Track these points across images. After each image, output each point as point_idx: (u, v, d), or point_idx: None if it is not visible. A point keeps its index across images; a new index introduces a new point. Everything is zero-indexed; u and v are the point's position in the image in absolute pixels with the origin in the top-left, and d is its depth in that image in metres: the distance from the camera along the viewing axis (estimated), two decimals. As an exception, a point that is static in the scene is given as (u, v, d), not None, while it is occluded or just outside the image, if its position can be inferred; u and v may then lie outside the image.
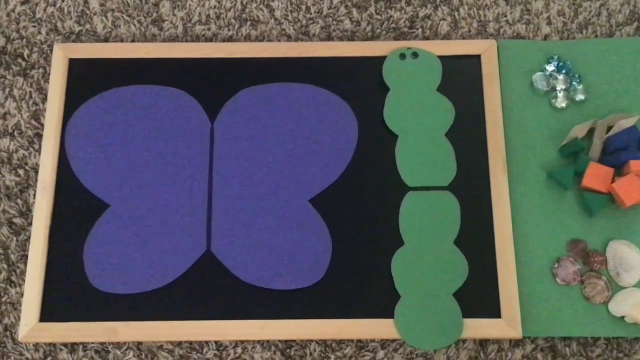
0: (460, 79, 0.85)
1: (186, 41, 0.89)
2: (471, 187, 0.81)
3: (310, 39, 0.89)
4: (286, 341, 0.77)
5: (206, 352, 0.76)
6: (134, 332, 0.75)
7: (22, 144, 0.84)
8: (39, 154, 0.83)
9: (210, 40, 0.89)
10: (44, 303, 0.76)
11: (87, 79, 0.85)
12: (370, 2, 0.91)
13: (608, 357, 0.76)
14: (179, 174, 0.81)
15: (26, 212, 0.81)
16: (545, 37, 0.89)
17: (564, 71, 0.85)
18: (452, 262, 0.78)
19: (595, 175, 0.79)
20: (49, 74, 0.86)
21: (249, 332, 0.75)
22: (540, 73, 0.85)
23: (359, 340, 0.77)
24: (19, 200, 0.82)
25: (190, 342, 0.76)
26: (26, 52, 0.88)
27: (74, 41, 0.89)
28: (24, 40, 0.89)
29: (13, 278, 0.79)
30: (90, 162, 0.82)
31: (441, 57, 0.86)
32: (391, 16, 0.90)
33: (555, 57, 0.86)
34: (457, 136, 0.83)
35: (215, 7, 0.91)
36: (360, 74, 0.86)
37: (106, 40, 0.89)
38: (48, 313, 0.76)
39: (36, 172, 0.82)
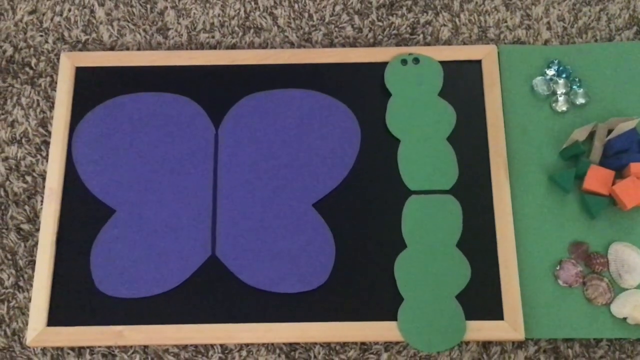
0: (462, 84, 0.86)
1: (191, 49, 0.90)
2: (473, 190, 0.81)
3: (313, 45, 0.90)
4: (290, 344, 0.77)
5: (211, 356, 0.77)
6: (140, 336, 0.76)
7: (29, 151, 0.85)
8: (47, 161, 0.84)
9: (215, 47, 0.90)
10: (51, 308, 0.77)
11: (93, 87, 0.86)
12: (372, 9, 0.92)
13: (611, 358, 0.76)
14: (184, 180, 0.82)
15: (34, 218, 0.82)
16: (546, 42, 0.90)
17: (564, 75, 0.86)
18: (454, 264, 0.78)
19: (596, 178, 0.79)
20: (56, 83, 0.87)
21: (254, 336, 0.76)
22: (540, 77, 0.86)
23: (363, 343, 0.77)
24: (26, 207, 0.83)
25: (196, 346, 0.77)
26: (34, 61, 0.89)
27: (80, 50, 0.90)
28: (32, 49, 0.90)
29: (21, 283, 0.80)
30: (97, 168, 0.83)
31: (442, 63, 0.87)
32: (393, 23, 0.91)
33: (556, 62, 0.87)
34: (459, 140, 0.83)
35: (219, 15, 0.92)
36: (363, 79, 0.87)
37: (112, 48, 0.90)
38: (55, 317, 0.77)
39: (44, 179, 0.83)
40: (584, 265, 0.79)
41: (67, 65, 0.87)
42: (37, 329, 0.76)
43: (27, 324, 0.78)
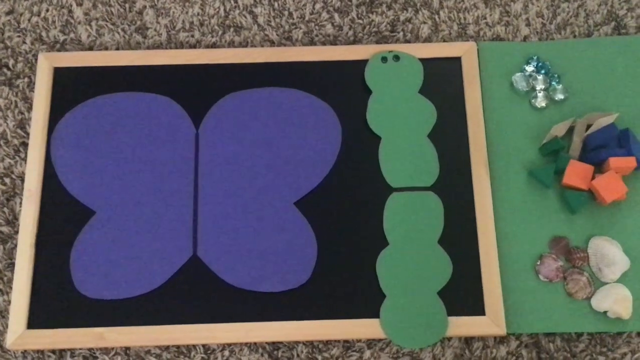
0: (442, 81, 0.86)
1: (170, 48, 0.89)
2: (454, 187, 0.82)
3: (293, 44, 0.90)
4: (273, 343, 0.77)
5: (194, 356, 0.76)
6: (121, 338, 0.76)
7: (8, 153, 0.84)
8: (25, 163, 0.83)
9: (194, 47, 0.90)
10: (31, 310, 0.77)
11: (72, 88, 0.86)
12: (352, 7, 0.92)
13: (592, 352, 0.76)
14: (164, 180, 0.82)
15: (13, 221, 0.82)
16: (525, 39, 0.90)
17: (543, 71, 0.86)
18: (436, 261, 0.78)
19: (576, 173, 0.80)
20: (34, 83, 0.87)
21: (236, 335, 0.76)
22: (520, 74, 0.86)
23: (346, 341, 0.77)
24: (5, 209, 0.82)
25: (178, 346, 0.77)
26: (11, 62, 0.88)
27: (58, 50, 0.89)
28: (9, 50, 0.89)
29: (0, 286, 0.79)
30: (76, 169, 0.82)
31: (422, 60, 0.87)
32: (372, 20, 0.91)
33: (535, 58, 0.87)
34: (440, 137, 0.84)
35: (198, 14, 0.92)
36: (343, 77, 0.87)
37: (91, 48, 0.89)
38: (35, 320, 0.76)
39: (22, 181, 0.83)
40: (564, 260, 0.79)
41: (45, 65, 0.86)
42: (17, 331, 0.75)
43: (7, 327, 0.77)
